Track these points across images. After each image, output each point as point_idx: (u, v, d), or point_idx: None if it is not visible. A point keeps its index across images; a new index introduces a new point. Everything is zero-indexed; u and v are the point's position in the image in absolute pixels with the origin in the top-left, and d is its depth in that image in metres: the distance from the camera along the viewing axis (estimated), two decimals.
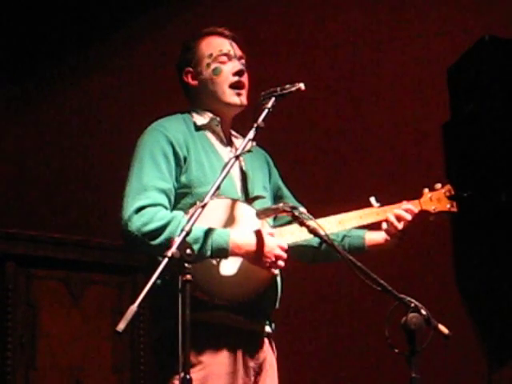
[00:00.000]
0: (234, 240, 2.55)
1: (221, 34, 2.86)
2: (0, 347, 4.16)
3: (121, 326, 2.11)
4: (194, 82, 2.84)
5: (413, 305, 2.41)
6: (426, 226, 4.32)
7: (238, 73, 2.80)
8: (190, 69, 2.84)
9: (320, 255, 2.92)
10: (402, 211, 2.87)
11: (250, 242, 2.58)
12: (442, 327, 2.46)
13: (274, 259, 2.59)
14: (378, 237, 2.91)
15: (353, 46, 4.83)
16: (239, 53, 2.86)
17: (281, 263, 2.61)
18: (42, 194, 5.16)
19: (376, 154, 4.69)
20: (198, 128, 2.80)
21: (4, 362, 4.14)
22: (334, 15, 4.92)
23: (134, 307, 2.13)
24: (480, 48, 4.28)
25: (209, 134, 2.82)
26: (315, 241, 2.83)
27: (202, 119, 2.82)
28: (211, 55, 2.81)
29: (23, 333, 4.23)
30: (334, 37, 4.89)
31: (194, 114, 2.84)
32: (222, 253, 2.54)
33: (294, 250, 2.75)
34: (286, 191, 3.00)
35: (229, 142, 2.86)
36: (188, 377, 2.19)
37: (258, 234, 2.59)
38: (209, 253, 2.52)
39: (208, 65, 2.81)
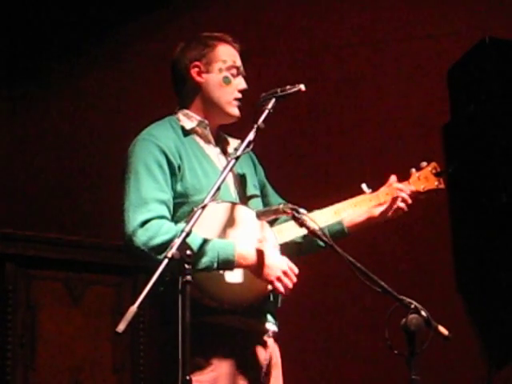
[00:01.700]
0: (240, 252, 2.55)
1: (235, 48, 2.84)
2: (0, 348, 4.15)
3: (121, 327, 2.12)
4: (200, 79, 2.78)
5: (413, 306, 2.41)
6: (426, 227, 4.34)
7: (242, 91, 2.80)
8: (200, 64, 2.78)
9: (304, 249, 2.90)
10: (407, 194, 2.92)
11: (254, 255, 2.57)
12: (441, 328, 2.46)
13: (279, 274, 2.58)
14: (356, 217, 2.90)
15: (354, 47, 4.84)
16: (244, 72, 2.84)
17: (287, 282, 2.59)
18: (41, 194, 5.15)
19: (376, 155, 4.69)
20: (186, 133, 2.77)
21: (4, 363, 4.13)
22: (335, 17, 4.92)
23: (134, 308, 2.14)
24: (480, 49, 4.29)
25: (197, 138, 2.79)
26: (299, 236, 2.82)
27: (189, 123, 2.79)
28: (225, 62, 2.79)
29: (23, 333, 4.22)
30: (335, 38, 4.89)
31: (181, 117, 2.80)
32: (228, 265, 2.54)
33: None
34: (270, 189, 2.98)
35: (217, 143, 2.85)
36: (188, 378, 2.20)
37: (260, 251, 2.58)
38: (215, 265, 2.52)
39: (220, 70, 2.78)
